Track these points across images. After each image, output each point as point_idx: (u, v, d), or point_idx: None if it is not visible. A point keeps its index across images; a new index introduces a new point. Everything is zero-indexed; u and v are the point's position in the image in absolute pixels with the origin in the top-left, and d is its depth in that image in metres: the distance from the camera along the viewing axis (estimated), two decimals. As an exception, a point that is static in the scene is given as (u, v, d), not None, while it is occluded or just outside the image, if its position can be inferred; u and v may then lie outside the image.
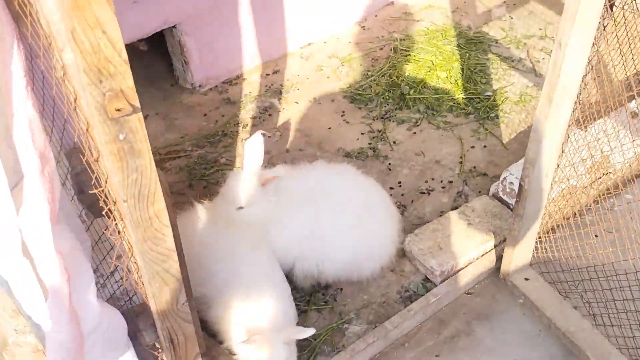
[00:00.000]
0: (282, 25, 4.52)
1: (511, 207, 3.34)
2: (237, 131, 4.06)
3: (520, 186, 2.72)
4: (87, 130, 1.59)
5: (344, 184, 3.08)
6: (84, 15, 1.32)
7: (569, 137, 2.58)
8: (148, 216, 1.71)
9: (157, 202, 1.70)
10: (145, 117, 4.17)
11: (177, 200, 3.63)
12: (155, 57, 4.57)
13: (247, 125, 4.10)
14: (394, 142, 3.94)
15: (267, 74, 4.50)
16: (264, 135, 2.94)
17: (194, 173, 3.79)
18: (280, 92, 4.34)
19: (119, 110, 1.46)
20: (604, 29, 2.24)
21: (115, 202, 1.76)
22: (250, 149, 2.92)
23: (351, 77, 4.43)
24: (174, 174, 3.79)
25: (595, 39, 2.25)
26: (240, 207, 2.91)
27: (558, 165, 2.69)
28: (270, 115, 4.17)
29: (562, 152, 2.59)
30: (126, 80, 1.45)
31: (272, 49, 4.57)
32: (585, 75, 2.36)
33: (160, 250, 1.81)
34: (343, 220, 2.99)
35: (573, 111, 2.46)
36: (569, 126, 2.52)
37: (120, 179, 1.60)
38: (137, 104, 1.50)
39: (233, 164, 3.86)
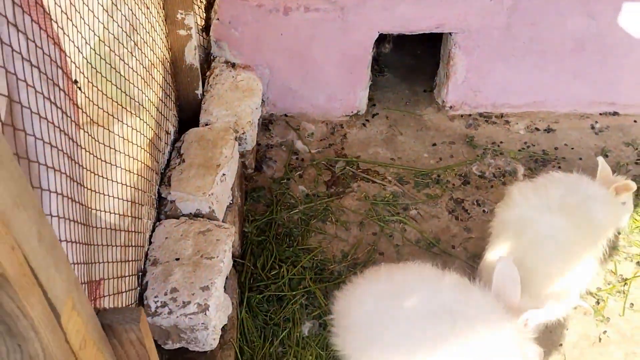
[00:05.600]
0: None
1: None
2: (454, 186, 3.25)
3: None
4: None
5: None
6: None
7: None
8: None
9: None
10: (373, 116, 3.58)
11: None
12: (431, 57, 3.84)
13: (468, 182, 3.27)
14: None
15: (537, 129, 3.52)
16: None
17: (369, 210, 3.15)
18: (543, 162, 3.35)
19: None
20: None
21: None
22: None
23: None
24: (355, 200, 3.20)
25: None
26: None
27: None
28: (504, 184, 3.26)
29: None
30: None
31: (581, 100, 3.54)
32: None
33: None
34: None
35: None
36: None
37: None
38: None
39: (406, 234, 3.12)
